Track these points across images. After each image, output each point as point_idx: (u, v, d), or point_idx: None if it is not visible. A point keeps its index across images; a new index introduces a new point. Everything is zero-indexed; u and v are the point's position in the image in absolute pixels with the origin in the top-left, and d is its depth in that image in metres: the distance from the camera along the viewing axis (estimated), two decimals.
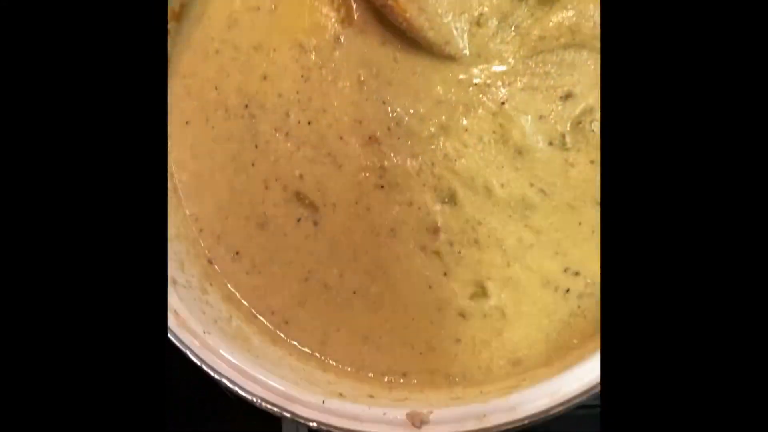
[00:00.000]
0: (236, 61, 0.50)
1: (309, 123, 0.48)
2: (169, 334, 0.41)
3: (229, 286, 0.49)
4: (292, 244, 0.48)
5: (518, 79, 0.46)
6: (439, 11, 0.45)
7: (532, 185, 0.45)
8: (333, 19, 0.48)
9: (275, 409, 0.40)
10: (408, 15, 0.45)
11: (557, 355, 0.43)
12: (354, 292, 0.47)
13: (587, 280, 0.44)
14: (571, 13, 0.45)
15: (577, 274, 0.44)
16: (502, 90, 0.46)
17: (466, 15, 0.45)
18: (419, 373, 0.46)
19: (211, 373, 0.41)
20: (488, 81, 0.46)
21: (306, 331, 0.48)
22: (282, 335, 0.48)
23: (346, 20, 0.48)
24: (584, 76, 0.45)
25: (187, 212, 0.50)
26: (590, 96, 0.45)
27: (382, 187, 0.47)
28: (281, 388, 0.41)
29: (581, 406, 0.52)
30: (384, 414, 0.40)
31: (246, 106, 0.49)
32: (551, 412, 0.36)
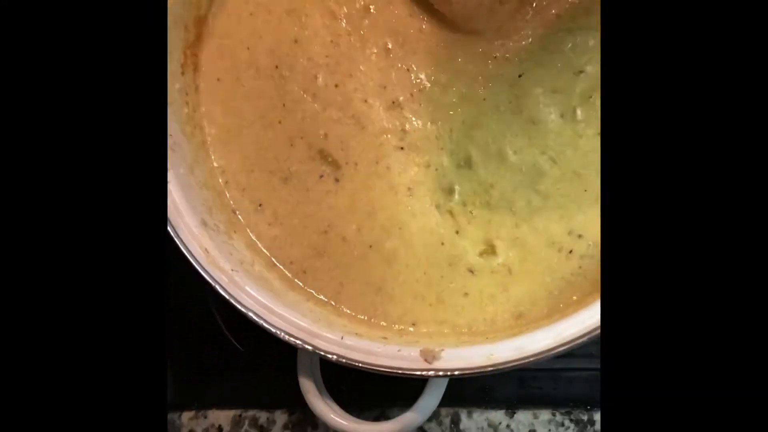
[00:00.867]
0: (269, 24, 0.53)
1: (336, 86, 0.51)
2: (200, 270, 0.44)
3: (251, 235, 0.52)
4: (313, 199, 0.51)
5: (534, 54, 0.49)
6: None
7: (543, 153, 0.48)
8: None
9: (298, 342, 0.43)
10: None
11: (557, 310, 0.46)
12: (370, 246, 0.50)
13: (589, 243, 0.47)
14: None
15: (580, 236, 0.48)
16: (519, 64, 0.49)
17: None
18: (428, 323, 0.49)
19: (239, 307, 0.44)
20: (507, 55, 0.50)
21: (322, 281, 0.51)
22: (300, 283, 0.51)
23: None
24: (596, 55, 0.48)
25: (215, 164, 0.53)
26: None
27: (402, 148, 0.50)
28: (303, 324, 0.44)
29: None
30: (398, 351, 0.43)
31: (276, 67, 0.52)
32: (555, 351, 0.39)
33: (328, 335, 0.44)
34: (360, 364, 0.42)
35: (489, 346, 0.42)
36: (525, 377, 0.59)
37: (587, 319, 0.41)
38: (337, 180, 0.51)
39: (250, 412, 0.61)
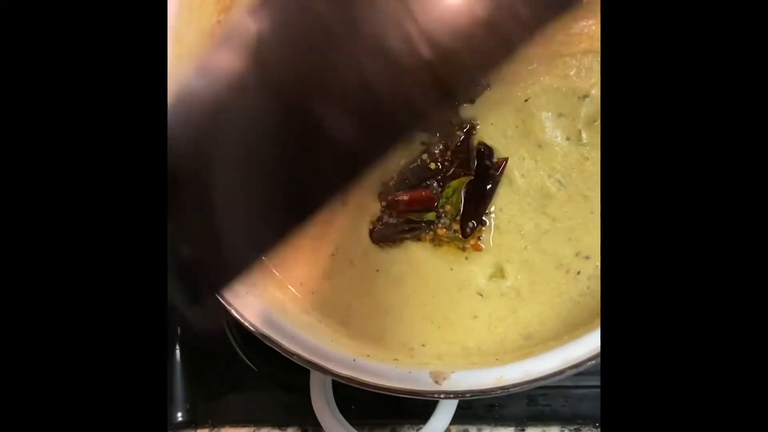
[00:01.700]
0: None
1: None
2: (216, 293, 0.45)
3: (262, 257, 0.53)
4: (321, 219, 0.52)
5: (541, 78, 0.50)
6: None
7: (550, 176, 0.49)
8: None
9: (311, 365, 0.44)
10: None
11: (566, 330, 0.47)
12: (377, 270, 0.51)
13: (596, 264, 0.48)
14: (591, 21, 0.50)
15: (587, 258, 0.48)
16: (526, 88, 0.50)
17: None
18: (437, 344, 0.50)
19: (252, 329, 0.45)
20: (514, 80, 0.50)
21: (332, 303, 0.52)
22: (310, 305, 0.52)
23: None
24: (600, 78, 0.49)
25: None
26: None
27: None
28: (316, 346, 0.45)
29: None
30: (409, 373, 0.44)
31: None
32: (563, 373, 0.40)
33: (340, 357, 0.45)
34: (372, 387, 0.43)
35: (498, 369, 0.42)
36: (534, 395, 0.59)
37: (595, 340, 0.41)
38: (344, 203, 0.52)
39: (263, 430, 0.62)
